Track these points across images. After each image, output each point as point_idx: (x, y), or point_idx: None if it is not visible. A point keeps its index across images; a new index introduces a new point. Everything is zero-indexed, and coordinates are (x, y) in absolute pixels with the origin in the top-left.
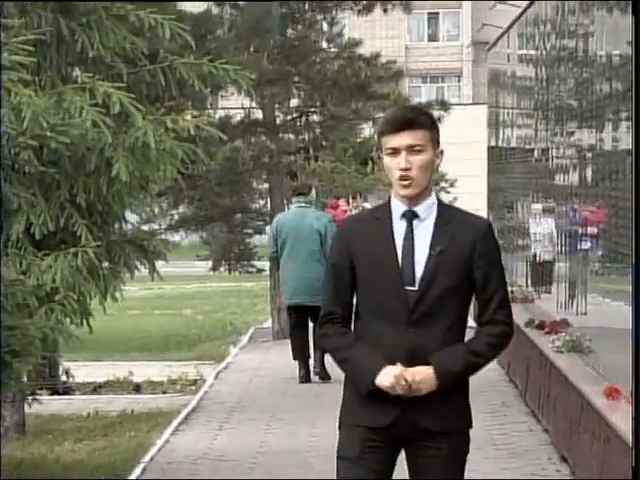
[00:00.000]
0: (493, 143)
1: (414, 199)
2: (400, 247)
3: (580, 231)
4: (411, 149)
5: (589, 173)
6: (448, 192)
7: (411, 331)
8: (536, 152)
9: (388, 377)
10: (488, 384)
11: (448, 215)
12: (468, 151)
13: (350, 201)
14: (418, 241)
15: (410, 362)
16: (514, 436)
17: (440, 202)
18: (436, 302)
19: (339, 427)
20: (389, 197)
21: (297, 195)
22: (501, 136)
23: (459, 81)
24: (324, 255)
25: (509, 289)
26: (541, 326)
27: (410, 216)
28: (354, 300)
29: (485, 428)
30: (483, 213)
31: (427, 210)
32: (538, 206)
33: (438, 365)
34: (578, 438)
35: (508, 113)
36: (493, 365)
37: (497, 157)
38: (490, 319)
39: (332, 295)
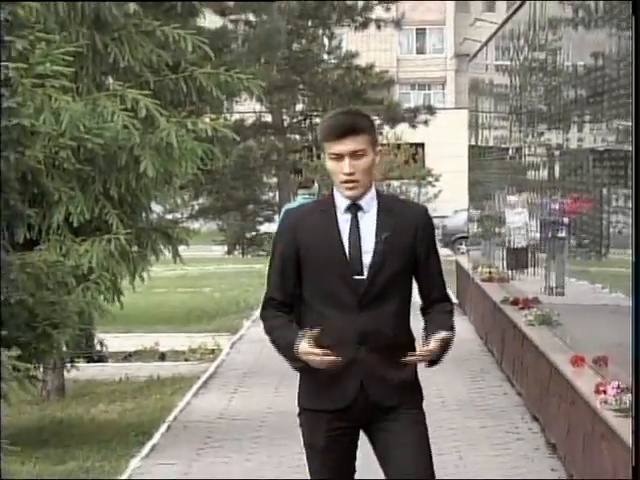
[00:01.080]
0: (473, 143)
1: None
2: (346, 238)
3: (559, 220)
4: (354, 154)
5: (557, 169)
6: (434, 186)
7: (362, 314)
8: (511, 150)
9: (304, 355)
10: (469, 353)
11: (389, 204)
12: (451, 150)
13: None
14: (364, 231)
15: (362, 343)
16: (491, 398)
17: (379, 192)
18: (384, 286)
19: (299, 414)
20: (331, 190)
21: (302, 188)
22: (480, 136)
23: (443, 88)
24: None
25: (487, 270)
26: (515, 302)
27: (355, 209)
28: (296, 290)
29: (466, 392)
30: (464, 204)
31: (369, 202)
32: (514, 198)
33: (447, 335)
34: (547, 400)
35: (486, 116)
36: (473, 336)
37: (477, 155)
38: (439, 296)
39: (276, 282)
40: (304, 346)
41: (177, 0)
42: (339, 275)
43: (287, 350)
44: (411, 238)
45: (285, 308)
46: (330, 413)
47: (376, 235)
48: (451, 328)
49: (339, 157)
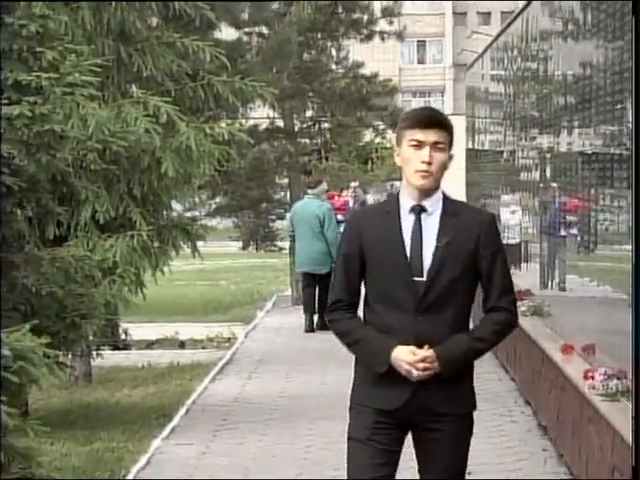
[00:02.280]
0: (470, 146)
1: (424, 193)
2: (408, 239)
3: (562, 219)
4: (435, 145)
5: (548, 171)
6: None
7: (419, 319)
8: (505, 153)
9: (405, 357)
10: None
11: (454, 208)
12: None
13: (344, 192)
14: (426, 234)
15: (419, 347)
16: (487, 384)
17: (445, 196)
18: (443, 292)
19: (350, 409)
20: (398, 192)
21: (309, 188)
22: (476, 140)
23: (442, 96)
24: (323, 234)
25: None
26: None
27: (418, 210)
28: (362, 289)
29: None
30: None
31: (434, 204)
32: (508, 197)
33: (442, 353)
34: (539, 386)
35: (482, 122)
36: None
37: (473, 157)
38: (494, 306)
39: (341, 283)
40: (404, 352)
41: (213, 0)
42: (399, 276)
43: (375, 354)
44: (472, 245)
45: (355, 309)
46: (379, 411)
47: (437, 239)
48: (479, 341)
49: (419, 146)
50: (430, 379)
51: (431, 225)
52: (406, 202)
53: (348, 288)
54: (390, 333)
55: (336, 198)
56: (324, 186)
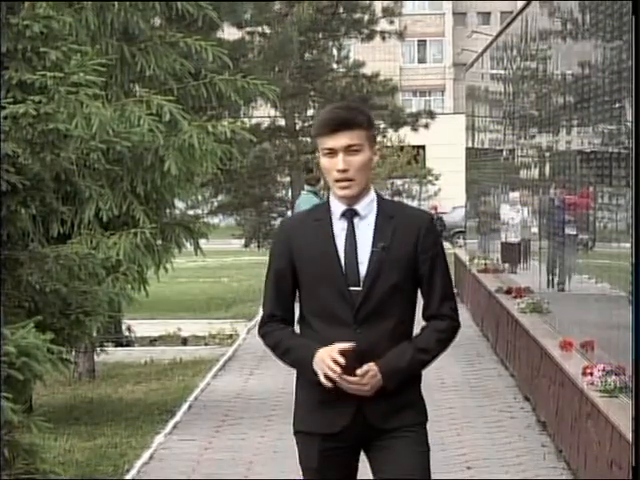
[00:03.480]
0: (470, 145)
1: (353, 198)
2: (342, 247)
3: (566, 217)
4: (348, 149)
5: (547, 169)
6: (434, 184)
7: (359, 332)
8: (504, 152)
9: (323, 359)
10: (466, 338)
11: (389, 210)
12: (450, 151)
13: None
14: (360, 239)
15: (359, 362)
16: (486, 380)
17: (380, 197)
18: (382, 301)
19: (294, 434)
20: (327, 197)
21: (309, 185)
22: (476, 139)
23: (443, 95)
24: None
25: (483, 262)
26: (509, 292)
27: (350, 215)
28: (295, 303)
29: (463, 374)
30: (462, 201)
31: (367, 207)
32: (515, 194)
33: (384, 366)
34: (538, 382)
35: (482, 121)
36: (469, 323)
37: (473, 156)
38: (436, 313)
39: (273, 299)
40: (327, 350)
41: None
42: (334, 287)
43: (304, 360)
44: (411, 248)
45: (288, 323)
46: (325, 435)
47: (373, 244)
48: (423, 352)
49: (332, 153)
50: (374, 395)
51: (365, 229)
52: (337, 207)
53: (280, 304)
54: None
55: None
56: (322, 183)
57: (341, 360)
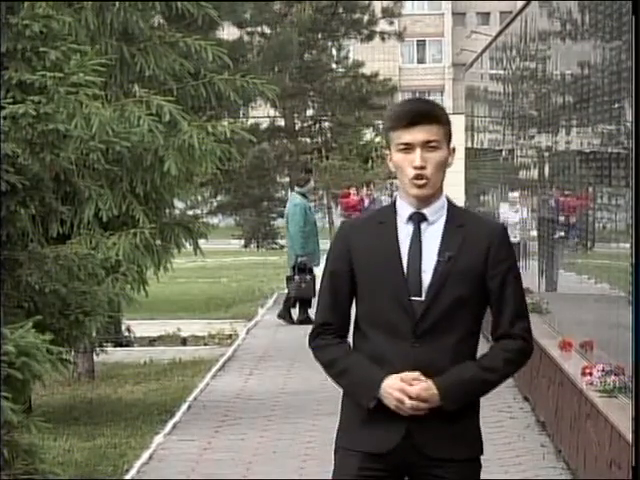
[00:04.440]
0: (469, 145)
1: (424, 200)
2: (406, 253)
3: (560, 219)
4: (426, 145)
5: (546, 169)
6: None
7: (417, 346)
8: (504, 152)
9: (392, 391)
10: None
11: (459, 218)
12: None
13: (359, 191)
14: (426, 246)
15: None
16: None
17: (450, 203)
18: (445, 314)
19: (335, 452)
20: (394, 199)
21: (298, 186)
22: (476, 139)
23: (442, 95)
24: (288, 228)
25: None
26: None
27: (418, 219)
28: (352, 311)
29: None
30: (461, 201)
31: (437, 212)
32: (515, 194)
33: (442, 381)
34: (537, 382)
35: (481, 121)
36: None
37: (472, 156)
38: (506, 333)
39: (329, 304)
40: (394, 380)
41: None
42: (395, 296)
43: (362, 386)
44: (481, 260)
45: (344, 334)
46: (369, 454)
47: (439, 253)
48: (487, 372)
49: (409, 148)
50: (428, 416)
51: (433, 236)
52: (404, 210)
53: (336, 310)
54: (383, 363)
55: (353, 198)
56: (311, 184)
57: (413, 393)
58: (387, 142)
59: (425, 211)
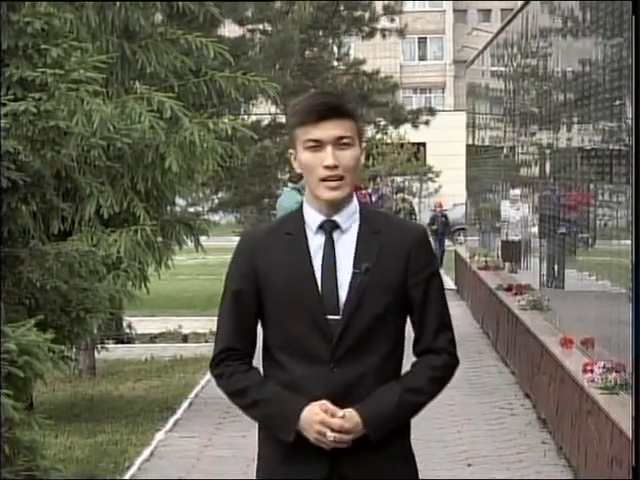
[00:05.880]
0: (470, 142)
1: (336, 206)
2: (319, 267)
3: (563, 214)
4: (339, 142)
5: (547, 166)
6: (434, 181)
7: (336, 371)
8: (505, 149)
9: (312, 424)
10: (466, 335)
11: (375, 223)
12: (450, 148)
13: (367, 186)
14: (341, 258)
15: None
16: (487, 377)
17: (363, 208)
18: (365, 332)
19: None
20: (300, 206)
21: (291, 182)
22: (477, 136)
23: (443, 92)
24: None
25: (483, 259)
26: (509, 289)
27: (329, 227)
28: (257, 335)
29: (463, 371)
30: (462, 198)
31: (349, 218)
32: (511, 193)
33: (365, 409)
34: (538, 379)
35: (482, 118)
36: (470, 320)
37: (473, 153)
38: (429, 347)
39: (231, 328)
40: (313, 410)
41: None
42: (309, 316)
43: (279, 418)
44: (401, 269)
45: (249, 360)
46: None
47: (354, 264)
48: (413, 393)
49: (318, 146)
50: (354, 445)
51: (347, 246)
52: (313, 218)
53: (241, 334)
54: (300, 391)
55: (362, 192)
56: (304, 180)
57: (335, 425)
58: (291, 140)
59: (336, 218)
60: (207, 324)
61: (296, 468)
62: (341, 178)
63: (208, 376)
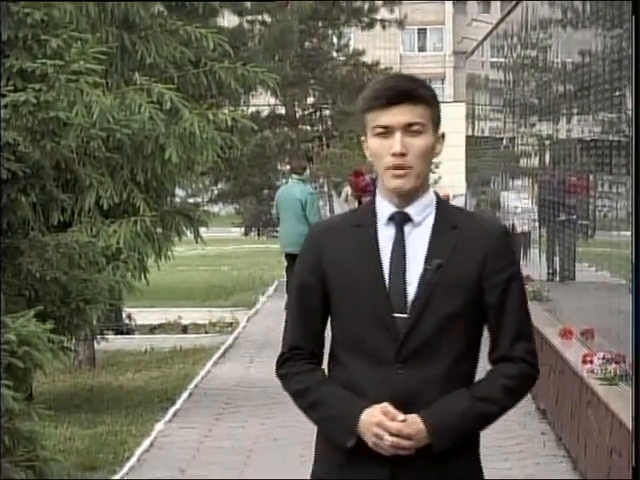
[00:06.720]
0: (470, 133)
1: (407, 197)
2: (387, 262)
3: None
4: (408, 129)
5: (547, 157)
6: (434, 172)
7: (401, 373)
8: (505, 140)
9: (370, 426)
10: None
11: (451, 218)
12: (450, 139)
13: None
14: (411, 253)
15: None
16: (485, 368)
17: (440, 201)
18: (433, 333)
19: None
20: (373, 197)
21: (295, 174)
22: (477, 127)
23: (443, 83)
24: (305, 217)
25: None
26: None
27: (400, 220)
28: (325, 332)
29: None
30: (462, 189)
31: (423, 211)
32: (516, 182)
33: (430, 415)
34: None
35: (482, 109)
36: None
37: (473, 144)
38: (505, 355)
39: (297, 325)
40: (373, 413)
41: (203, 0)
42: (374, 314)
43: (337, 421)
44: (477, 269)
45: (317, 360)
46: None
47: (426, 260)
48: (484, 402)
49: (387, 132)
50: (415, 455)
51: (418, 241)
52: (384, 210)
53: (307, 332)
54: (361, 393)
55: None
56: (307, 172)
57: (393, 428)
58: (361, 126)
59: (409, 210)
60: (207, 315)
61: (354, 474)
62: (409, 167)
63: (208, 367)
